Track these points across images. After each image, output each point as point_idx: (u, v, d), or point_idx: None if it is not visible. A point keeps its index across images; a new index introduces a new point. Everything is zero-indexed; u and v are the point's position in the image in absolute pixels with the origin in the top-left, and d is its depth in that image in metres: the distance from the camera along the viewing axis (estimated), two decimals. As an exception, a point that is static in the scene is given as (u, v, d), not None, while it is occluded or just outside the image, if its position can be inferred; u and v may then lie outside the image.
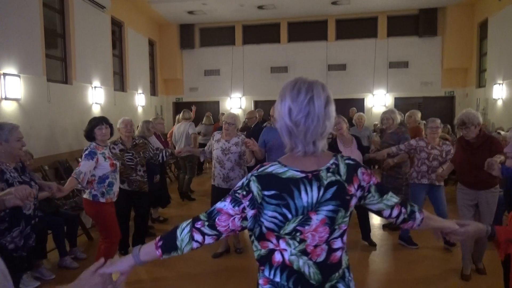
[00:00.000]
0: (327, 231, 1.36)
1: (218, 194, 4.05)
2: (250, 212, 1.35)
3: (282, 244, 1.35)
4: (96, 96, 8.41)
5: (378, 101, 12.35)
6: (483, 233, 1.63)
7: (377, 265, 4.39)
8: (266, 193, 1.33)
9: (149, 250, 1.36)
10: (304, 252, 1.36)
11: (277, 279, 1.37)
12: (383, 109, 11.75)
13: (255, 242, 1.41)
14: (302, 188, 1.33)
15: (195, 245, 1.36)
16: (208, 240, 1.37)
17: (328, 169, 1.37)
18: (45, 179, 5.55)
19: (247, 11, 11.82)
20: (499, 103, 9.37)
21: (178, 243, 1.35)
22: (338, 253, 1.41)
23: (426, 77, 12.10)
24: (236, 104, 13.10)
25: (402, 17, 12.12)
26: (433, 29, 11.76)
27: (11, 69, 5.79)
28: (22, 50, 6.07)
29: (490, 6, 10.02)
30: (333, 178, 1.36)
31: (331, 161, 1.39)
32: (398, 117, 5.14)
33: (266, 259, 1.39)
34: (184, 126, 7.06)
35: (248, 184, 1.35)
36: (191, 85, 13.46)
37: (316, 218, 1.33)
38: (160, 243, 1.35)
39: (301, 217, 1.33)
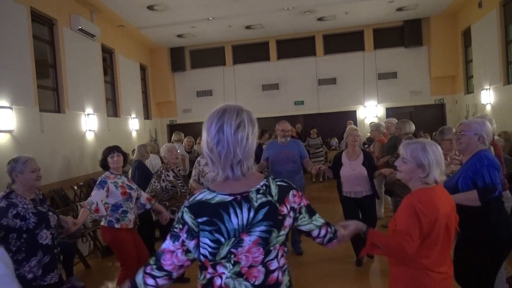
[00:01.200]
0: (261, 252, 1.40)
1: None
2: (190, 244, 1.41)
3: (220, 269, 1.40)
4: (89, 123, 8.47)
5: (370, 113, 12.47)
6: (361, 232, 1.89)
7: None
8: (199, 220, 1.38)
9: None
10: (239, 274, 1.39)
11: None
12: (375, 120, 11.90)
13: (200, 272, 1.46)
14: (232, 211, 1.37)
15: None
16: (161, 281, 1.45)
17: (258, 191, 1.42)
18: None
19: (235, 32, 12.02)
20: (488, 108, 9.51)
21: None
22: (275, 274, 1.44)
23: (415, 86, 12.27)
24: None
25: (388, 29, 12.36)
26: (418, 39, 11.99)
27: (3, 101, 5.85)
28: (14, 82, 6.14)
29: (472, 14, 10.26)
30: (264, 199, 1.41)
31: (262, 183, 1.44)
32: (408, 126, 5.17)
33: (208, 286, 1.43)
34: (180, 148, 7.11)
35: (182, 217, 1.41)
36: (184, 106, 13.57)
37: (248, 240, 1.37)
38: None
39: (233, 239, 1.37)
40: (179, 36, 12.01)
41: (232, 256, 1.38)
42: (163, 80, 13.28)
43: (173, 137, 7.50)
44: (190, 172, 7.02)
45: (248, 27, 11.67)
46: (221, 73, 13.29)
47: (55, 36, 7.67)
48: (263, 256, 1.40)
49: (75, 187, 7.46)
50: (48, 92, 7.44)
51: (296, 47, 13.03)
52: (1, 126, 5.74)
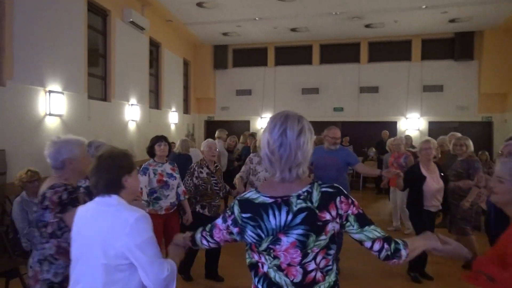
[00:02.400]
0: (298, 254, 1.49)
1: None
2: (234, 229, 1.63)
3: (262, 258, 1.57)
4: (132, 113, 8.69)
5: (412, 125, 12.12)
6: (463, 258, 1.76)
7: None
8: (244, 215, 1.57)
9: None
10: (279, 268, 1.53)
11: (260, 286, 1.58)
12: (416, 133, 11.56)
13: (247, 252, 1.64)
14: (270, 212, 1.51)
15: (204, 246, 1.86)
16: (212, 245, 1.82)
17: (298, 196, 1.50)
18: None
19: (280, 33, 12.00)
20: (541, 130, 9.02)
21: (197, 242, 1.87)
22: (313, 274, 1.52)
23: (462, 102, 11.81)
24: (266, 123, 13.15)
25: (437, 41, 11.96)
26: (469, 53, 11.53)
27: (56, 86, 6.09)
28: (67, 68, 6.39)
29: (530, 31, 9.76)
30: (303, 205, 1.49)
31: (304, 189, 1.52)
32: (471, 145, 4.89)
33: (253, 267, 1.62)
34: (218, 145, 7.17)
35: (232, 207, 1.64)
36: (223, 104, 13.68)
37: (286, 240, 1.49)
38: (190, 239, 1.90)
39: (271, 237, 1.51)
40: (224, 34, 12.11)
41: (271, 251, 1.52)
42: (205, 77, 13.44)
43: (217, 133, 7.56)
44: (227, 170, 7.10)
45: (293, 30, 11.62)
46: (262, 73, 13.31)
47: (108, 27, 7.91)
48: (300, 258, 1.49)
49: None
50: (96, 80, 7.69)
51: (339, 52, 12.85)
52: (53, 110, 5.97)
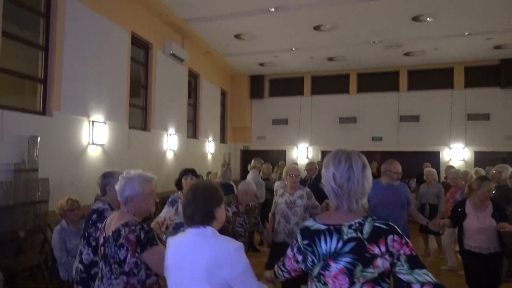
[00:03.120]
0: (346, 281, 1.55)
1: (279, 251, 3.26)
2: (299, 257, 1.75)
3: (313, 286, 1.67)
4: (170, 143, 8.82)
5: (456, 155, 11.56)
6: None
7: None
8: (304, 242, 1.70)
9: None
10: None
11: None
12: (461, 164, 10.99)
13: (308, 281, 1.74)
14: (322, 238, 1.64)
15: (281, 278, 1.99)
16: (285, 275, 1.94)
17: (350, 226, 1.60)
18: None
19: (316, 63, 12.01)
20: None
21: (276, 273, 2.02)
22: None
23: (511, 131, 11.18)
24: (303, 153, 13.02)
25: (481, 68, 11.52)
26: (517, 80, 11.01)
27: (99, 116, 6.29)
28: (110, 99, 6.60)
29: None
30: (353, 235, 1.58)
31: (357, 220, 1.62)
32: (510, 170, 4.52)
33: None
34: (253, 175, 7.08)
35: (296, 236, 1.78)
36: (259, 133, 13.70)
37: (335, 266, 1.57)
38: (274, 272, 2.04)
39: (322, 262, 1.61)
40: (261, 64, 12.27)
41: (322, 277, 1.61)
42: (241, 106, 13.58)
43: (253, 162, 7.49)
44: (266, 200, 6.94)
45: (330, 59, 11.59)
46: (298, 102, 13.28)
47: (149, 59, 8.20)
48: (347, 285, 1.55)
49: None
50: (137, 110, 7.90)
51: (377, 81, 12.64)
52: (96, 140, 6.13)
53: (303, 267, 1.74)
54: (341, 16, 8.22)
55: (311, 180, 6.31)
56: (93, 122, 6.12)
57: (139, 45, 7.90)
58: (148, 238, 2.12)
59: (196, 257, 1.81)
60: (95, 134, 6.13)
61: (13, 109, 4.78)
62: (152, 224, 3.45)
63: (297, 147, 13.16)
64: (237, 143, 13.96)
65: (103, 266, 2.19)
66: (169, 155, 8.90)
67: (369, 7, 7.69)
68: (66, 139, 5.64)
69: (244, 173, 11.95)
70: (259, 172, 7.48)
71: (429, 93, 11.98)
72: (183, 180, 4.05)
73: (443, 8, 7.71)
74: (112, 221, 2.23)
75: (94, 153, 6.22)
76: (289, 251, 1.85)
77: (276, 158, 12.51)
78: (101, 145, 6.36)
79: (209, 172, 9.74)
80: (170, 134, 8.85)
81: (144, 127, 8.06)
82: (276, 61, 11.86)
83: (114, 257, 2.12)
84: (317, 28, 8.88)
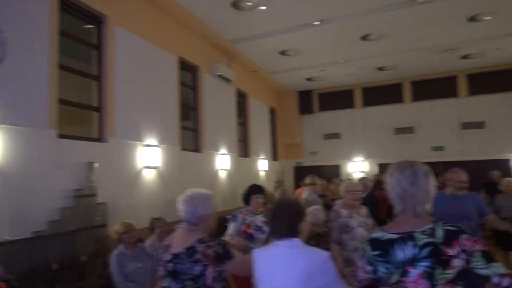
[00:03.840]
0: (427, 285, 1.62)
1: None
2: (369, 268, 1.82)
3: None
4: (222, 163, 8.85)
5: (529, 162, 10.57)
6: None
7: None
8: (374, 253, 1.78)
9: None
10: None
11: None
12: (537, 171, 10.00)
13: None
14: (397, 247, 1.71)
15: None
16: (359, 285, 1.94)
17: (422, 232, 1.69)
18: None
19: (366, 74, 11.65)
20: None
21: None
22: None
23: None
24: (358, 168, 12.55)
25: (551, 65, 10.56)
26: None
27: (152, 140, 6.44)
28: (162, 123, 6.76)
29: None
30: (428, 240, 1.65)
31: (427, 226, 1.71)
32: None
33: None
34: (308, 192, 6.86)
35: (363, 248, 1.85)
36: (311, 149, 13.44)
37: (414, 271, 1.64)
38: None
39: (400, 270, 1.68)
40: (308, 79, 12.12)
41: (401, 283, 1.67)
42: (291, 123, 13.45)
43: (307, 180, 7.27)
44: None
45: (380, 69, 11.19)
46: (350, 116, 12.92)
47: (197, 81, 8.36)
48: None
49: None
50: (188, 132, 8.03)
51: (433, 88, 11.99)
52: (150, 163, 6.27)
53: (373, 276, 1.82)
54: (389, 24, 7.92)
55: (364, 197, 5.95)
56: (146, 145, 6.27)
57: (187, 68, 8.08)
58: (225, 252, 2.26)
59: (289, 267, 1.97)
60: (149, 158, 6.26)
61: (71, 138, 5.00)
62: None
63: (352, 161, 12.72)
64: (289, 160, 13.79)
65: (172, 283, 2.26)
66: (222, 175, 8.92)
67: (419, 12, 7.33)
68: (121, 164, 5.80)
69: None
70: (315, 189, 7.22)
71: (493, 97, 11.14)
72: (253, 198, 3.94)
73: (501, 4, 7.16)
74: (180, 240, 2.34)
75: (148, 176, 6.35)
76: (359, 262, 1.91)
77: (330, 173, 12.17)
78: (155, 168, 6.49)
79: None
80: (221, 154, 8.89)
81: (196, 148, 8.16)
82: (323, 75, 11.66)
83: (187, 273, 2.21)
84: (364, 38, 8.61)
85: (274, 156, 12.91)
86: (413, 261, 1.65)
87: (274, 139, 13.16)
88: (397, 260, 1.69)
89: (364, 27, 8.05)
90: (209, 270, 2.19)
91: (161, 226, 4.49)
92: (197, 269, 2.19)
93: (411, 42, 9.00)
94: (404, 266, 1.67)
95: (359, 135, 12.70)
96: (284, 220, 2.08)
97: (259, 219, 3.85)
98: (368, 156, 12.56)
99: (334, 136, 13.04)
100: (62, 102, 4.91)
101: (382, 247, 1.75)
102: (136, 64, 6.25)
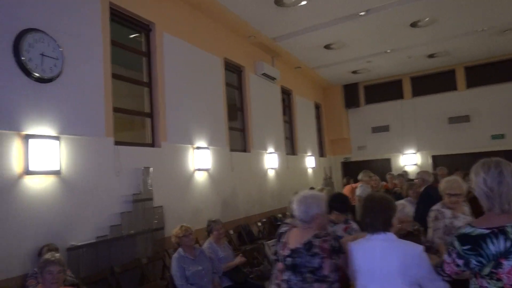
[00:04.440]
0: None
1: None
2: (459, 261, 1.88)
3: (483, 283, 1.80)
4: (270, 161, 8.81)
5: None
6: None
7: None
8: (464, 248, 1.84)
9: None
10: None
11: None
12: None
13: (472, 279, 1.88)
14: (489, 241, 1.76)
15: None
16: (446, 278, 2.04)
17: None
18: (230, 243, 5.77)
19: (415, 62, 11.14)
20: None
21: None
22: None
23: None
24: (410, 160, 12.06)
25: None
26: None
27: (202, 142, 6.52)
28: (210, 125, 6.82)
29: None
30: None
31: None
32: None
33: None
34: (361, 189, 6.67)
35: (452, 243, 1.92)
36: (359, 143, 13.09)
37: (507, 263, 1.71)
38: None
39: (493, 262, 1.74)
40: (353, 72, 11.80)
41: (494, 275, 1.74)
42: (337, 117, 13.16)
43: (361, 176, 7.07)
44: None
45: (430, 56, 10.66)
46: (399, 107, 12.43)
47: (243, 81, 8.36)
48: None
49: (259, 223, 7.71)
50: (236, 133, 8.06)
51: (491, 72, 11.25)
52: (201, 165, 6.35)
53: (465, 269, 1.88)
54: (440, 8, 7.49)
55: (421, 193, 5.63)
56: (197, 148, 6.35)
57: (232, 69, 8.10)
58: (340, 245, 2.39)
59: (386, 259, 2.14)
60: (200, 160, 6.34)
61: (127, 144, 5.14)
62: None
63: (403, 154, 12.25)
64: (336, 155, 13.51)
65: (291, 276, 2.41)
66: (271, 174, 8.89)
67: (473, -8, 6.88)
68: (174, 167, 5.91)
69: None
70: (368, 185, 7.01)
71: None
72: (333, 214, 3.44)
73: None
74: (296, 236, 2.50)
75: (200, 178, 6.42)
76: (446, 257, 1.96)
77: (380, 167, 11.80)
78: (206, 170, 6.55)
79: (312, 188, 9.49)
80: (269, 153, 8.85)
81: (244, 148, 8.17)
82: (369, 67, 11.29)
83: (307, 266, 2.36)
84: (413, 24, 8.22)
85: (321, 152, 12.70)
86: (506, 254, 1.72)
87: (321, 135, 12.94)
88: (489, 253, 1.75)
89: (413, 13, 7.68)
90: (326, 262, 2.33)
91: (219, 228, 4.51)
92: (315, 262, 2.34)
93: (464, 25, 8.48)
94: (497, 259, 1.73)
95: (409, 126, 12.19)
96: (378, 214, 2.22)
97: (341, 228, 3.45)
98: (420, 148, 12.03)
99: (383, 129, 12.61)
100: (116, 110, 5.06)
101: (473, 242, 1.81)
102: (184, 68, 6.34)
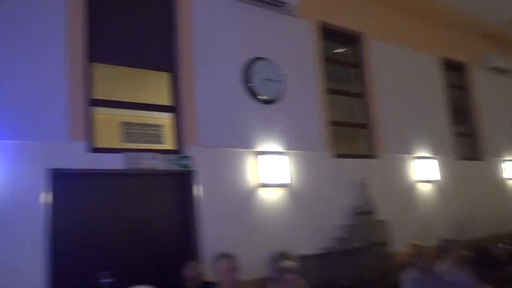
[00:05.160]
0: None
1: None
2: None
3: None
4: (509, 171, 7.37)
5: None
6: None
7: None
8: None
9: None
10: None
11: None
12: None
13: None
14: None
15: None
16: None
17: None
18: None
19: None
20: None
21: None
22: None
23: None
24: None
25: None
26: None
27: (423, 152, 6.03)
28: (431, 132, 6.27)
29: None
30: None
31: None
32: None
33: None
34: None
35: None
36: None
37: None
38: None
39: None
40: None
41: None
42: None
43: None
44: None
45: None
46: None
47: (466, 79, 7.35)
48: None
49: (500, 245, 6.46)
50: (463, 139, 7.09)
51: None
52: (424, 176, 5.87)
53: None
54: None
55: None
56: (417, 158, 5.89)
57: (451, 67, 7.20)
58: None
59: None
60: (422, 170, 5.85)
61: (344, 156, 5.17)
62: None
63: None
64: None
65: None
66: (511, 185, 7.42)
67: None
68: (393, 179, 5.60)
69: None
70: None
71: None
72: None
73: None
74: None
75: (423, 190, 5.90)
76: None
77: None
78: (429, 181, 5.96)
79: None
80: (507, 160, 7.42)
81: (474, 156, 7.08)
82: None
83: None
84: None
85: None
86: None
87: None
88: None
89: None
90: None
91: (457, 250, 3.93)
92: None
93: None
94: None
95: None
96: None
97: None
98: None
99: None
100: (333, 123, 5.16)
101: None
102: (396, 74, 6.04)
